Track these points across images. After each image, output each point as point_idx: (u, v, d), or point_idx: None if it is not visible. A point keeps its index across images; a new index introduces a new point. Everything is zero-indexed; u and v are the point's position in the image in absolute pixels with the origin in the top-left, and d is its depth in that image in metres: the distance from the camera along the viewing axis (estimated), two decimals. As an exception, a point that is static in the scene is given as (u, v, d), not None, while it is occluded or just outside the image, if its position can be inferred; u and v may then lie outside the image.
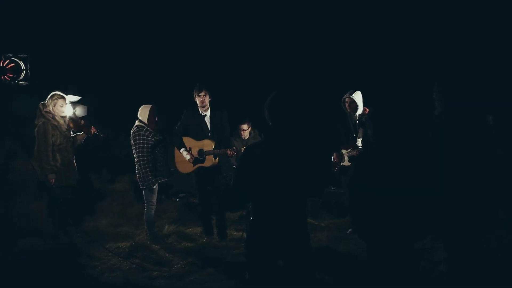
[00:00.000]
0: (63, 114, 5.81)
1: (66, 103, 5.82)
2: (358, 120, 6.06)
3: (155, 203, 6.06)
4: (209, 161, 5.88)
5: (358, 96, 6.06)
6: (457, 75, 3.93)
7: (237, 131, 7.16)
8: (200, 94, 5.82)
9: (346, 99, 6.11)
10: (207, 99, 5.84)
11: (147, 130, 5.90)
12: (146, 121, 5.92)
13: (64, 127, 5.82)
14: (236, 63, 10.44)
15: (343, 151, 6.16)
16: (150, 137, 5.89)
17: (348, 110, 6.12)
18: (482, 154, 3.69)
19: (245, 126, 7.12)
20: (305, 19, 10.29)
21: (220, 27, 10.56)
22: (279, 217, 3.03)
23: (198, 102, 5.87)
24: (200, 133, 5.92)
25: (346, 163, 6.13)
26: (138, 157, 5.90)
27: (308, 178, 3.08)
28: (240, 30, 10.52)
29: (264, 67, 10.20)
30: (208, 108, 5.91)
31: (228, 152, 5.75)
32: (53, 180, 5.64)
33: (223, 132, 5.96)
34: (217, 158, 5.91)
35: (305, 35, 10.33)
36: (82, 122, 6.04)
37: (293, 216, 3.06)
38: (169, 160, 6.26)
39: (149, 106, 5.96)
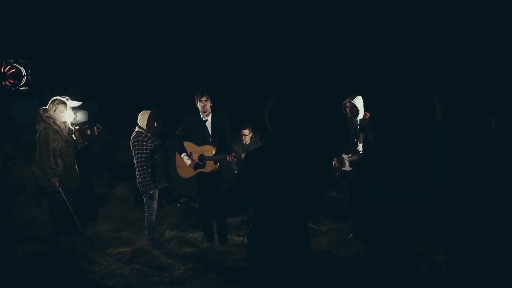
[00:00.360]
0: (63, 120, 5.83)
1: (66, 109, 5.84)
2: (359, 125, 6.06)
3: (156, 208, 6.06)
4: (209, 166, 5.88)
5: (359, 101, 6.06)
6: (458, 76, 3.93)
7: (238, 136, 7.16)
8: (201, 99, 5.83)
9: (347, 104, 6.11)
10: (208, 104, 5.85)
11: (146, 135, 5.91)
12: (145, 127, 5.94)
13: (65, 131, 5.83)
14: (238, 68, 10.45)
15: (344, 156, 6.15)
16: (149, 143, 5.91)
17: (349, 115, 6.12)
18: (482, 155, 3.69)
19: (246, 131, 7.12)
20: (305, 24, 10.31)
21: (222, 32, 10.58)
22: (280, 222, 3.03)
23: (199, 107, 5.88)
24: (201, 138, 5.93)
25: (347, 168, 6.12)
26: (137, 163, 5.92)
27: (309, 182, 3.08)
28: (241, 35, 10.54)
29: (265, 72, 10.20)
30: (209, 113, 5.92)
31: (228, 158, 5.75)
32: (57, 184, 5.65)
33: (224, 137, 5.97)
34: (218, 164, 5.90)
35: (306, 40, 10.35)
36: (89, 132, 6.06)
37: (294, 220, 3.06)
38: (170, 164, 6.27)
39: (148, 111, 5.97)
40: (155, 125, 5.95)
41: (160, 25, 10.55)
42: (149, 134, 5.93)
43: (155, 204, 6.02)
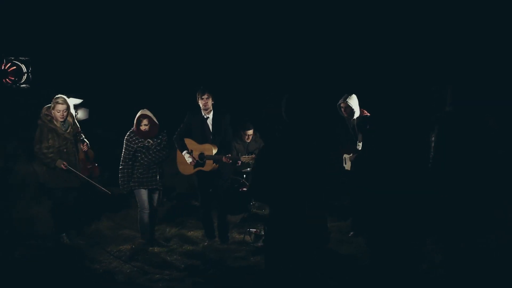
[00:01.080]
0: (60, 119, 5.72)
1: (65, 110, 5.74)
2: (356, 123, 6.04)
3: (147, 207, 5.89)
4: (209, 165, 5.86)
5: (352, 100, 6.03)
6: (459, 76, 3.94)
7: (239, 134, 7.18)
8: (203, 96, 5.81)
9: (341, 105, 6.08)
10: (210, 102, 5.83)
11: (134, 136, 5.84)
12: (134, 126, 5.88)
13: (62, 129, 5.77)
14: (239, 66, 10.44)
15: (346, 155, 6.15)
16: (132, 144, 5.82)
17: (345, 115, 6.11)
18: (482, 155, 3.69)
19: (250, 132, 7.17)
20: (306, 23, 10.30)
21: (224, 30, 10.57)
22: (297, 215, 3.03)
23: (201, 105, 5.86)
24: (202, 136, 5.91)
25: (348, 167, 6.11)
26: (121, 161, 5.91)
27: (324, 175, 3.08)
28: (243, 33, 10.53)
29: (266, 71, 10.20)
30: (210, 111, 5.91)
31: (223, 159, 5.73)
32: (64, 165, 5.64)
33: (225, 136, 5.96)
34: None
35: (307, 39, 10.34)
36: (89, 165, 6.25)
37: (310, 213, 3.05)
38: (171, 162, 6.24)
39: (141, 111, 5.83)
40: (141, 128, 5.81)
41: (163, 25, 10.53)
42: (137, 135, 5.86)
43: (145, 203, 5.87)
